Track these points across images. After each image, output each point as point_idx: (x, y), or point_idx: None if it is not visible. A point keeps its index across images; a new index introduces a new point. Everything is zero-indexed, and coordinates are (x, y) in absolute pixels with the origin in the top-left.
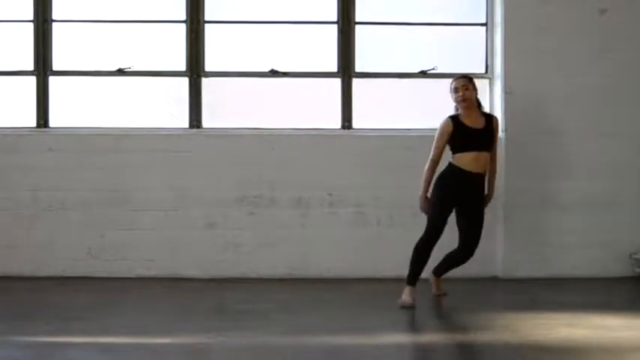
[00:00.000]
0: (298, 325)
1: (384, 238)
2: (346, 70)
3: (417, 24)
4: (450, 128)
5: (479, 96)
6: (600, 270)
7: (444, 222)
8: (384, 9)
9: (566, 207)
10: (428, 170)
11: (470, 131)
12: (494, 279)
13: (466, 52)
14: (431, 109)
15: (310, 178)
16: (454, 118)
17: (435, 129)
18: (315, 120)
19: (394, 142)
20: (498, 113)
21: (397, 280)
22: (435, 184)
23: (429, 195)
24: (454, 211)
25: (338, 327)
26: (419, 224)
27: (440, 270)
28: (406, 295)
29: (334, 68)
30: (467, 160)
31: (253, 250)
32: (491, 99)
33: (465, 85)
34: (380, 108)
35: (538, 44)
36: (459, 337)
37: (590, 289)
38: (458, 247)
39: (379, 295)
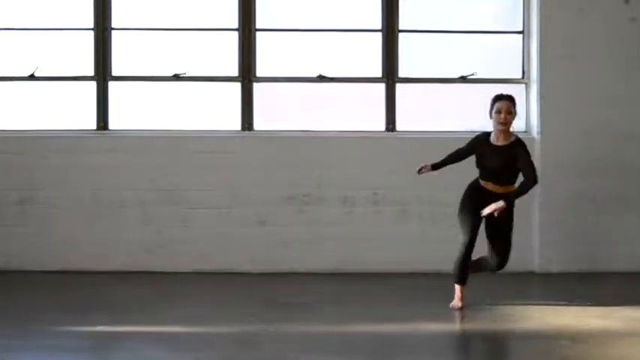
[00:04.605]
0: (343, 315)
1: (426, 235)
2: (390, 75)
3: (457, 32)
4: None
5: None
6: (634, 265)
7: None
8: (426, 17)
9: (599, 204)
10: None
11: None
12: (530, 274)
13: (504, 58)
14: (470, 112)
15: (356, 178)
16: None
17: (474, 131)
18: (361, 122)
19: (435, 144)
20: (534, 116)
21: (438, 274)
22: None
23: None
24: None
25: (381, 317)
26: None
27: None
28: None
29: (379, 74)
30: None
31: (302, 246)
32: (528, 103)
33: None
34: (422, 111)
35: (572, 51)
36: (496, 327)
37: (624, 283)
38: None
39: (421, 289)
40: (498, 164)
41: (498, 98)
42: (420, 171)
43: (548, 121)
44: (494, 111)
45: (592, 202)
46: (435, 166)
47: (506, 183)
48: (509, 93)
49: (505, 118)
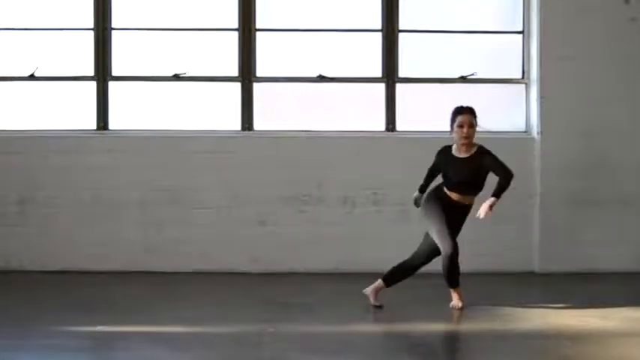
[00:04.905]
0: (343, 315)
1: None
2: (390, 75)
3: (457, 32)
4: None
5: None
6: (634, 265)
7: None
8: (427, 18)
9: (599, 204)
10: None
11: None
12: (530, 274)
13: (504, 58)
14: None
15: (356, 178)
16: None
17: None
18: (361, 122)
19: (435, 144)
20: (534, 116)
21: (438, 274)
22: None
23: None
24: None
25: (381, 318)
26: None
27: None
28: None
29: (379, 74)
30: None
31: (302, 246)
32: (528, 103)
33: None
34: (422, 111)
35: (572, 51)
36: (496, 327)
37: (623, 283)
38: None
39: (421, 288)
40: (464, 176)
41: (459, 112)
42: (418, 204)
43: (548, 121)
44: (455, 125)
45: (592, 202)
46: (422, 191)
47: (470, 194)
48: (469, 105)
49: (467, 132)
